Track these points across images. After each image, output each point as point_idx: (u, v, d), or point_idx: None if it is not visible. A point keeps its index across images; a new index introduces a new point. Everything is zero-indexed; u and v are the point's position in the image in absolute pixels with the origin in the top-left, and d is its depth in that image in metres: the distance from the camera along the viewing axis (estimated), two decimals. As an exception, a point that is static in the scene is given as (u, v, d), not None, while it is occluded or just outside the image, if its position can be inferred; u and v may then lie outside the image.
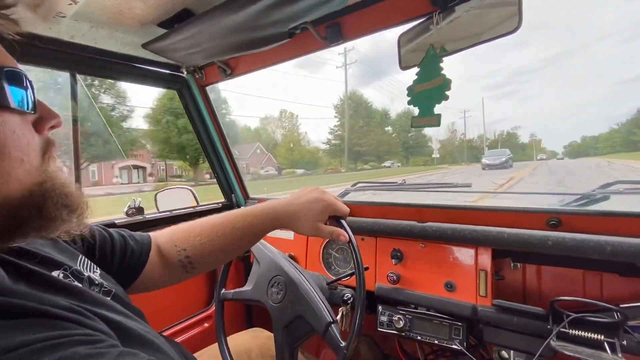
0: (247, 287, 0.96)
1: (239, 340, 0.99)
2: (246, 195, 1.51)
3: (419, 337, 0.93)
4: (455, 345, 0.87)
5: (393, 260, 1.01)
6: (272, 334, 1.00)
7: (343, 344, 0.71)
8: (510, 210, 0.88)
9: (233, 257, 0.81)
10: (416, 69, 0.77)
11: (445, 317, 0.91)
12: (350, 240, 0.76)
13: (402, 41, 0.78)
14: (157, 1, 0.82)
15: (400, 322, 0.96)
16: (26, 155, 0.36)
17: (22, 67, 0.39)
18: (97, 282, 0.48)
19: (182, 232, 0.73)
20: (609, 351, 0.68)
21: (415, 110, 0.84)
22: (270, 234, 1.36)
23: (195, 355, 0.92)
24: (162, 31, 0.94)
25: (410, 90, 0.81)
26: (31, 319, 0.29)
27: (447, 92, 0.75)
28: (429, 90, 0.78)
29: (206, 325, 1.30)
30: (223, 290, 0.97)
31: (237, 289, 0.96)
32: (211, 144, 1.37)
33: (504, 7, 0.61)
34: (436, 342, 0.90)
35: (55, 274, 0.43)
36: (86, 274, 0.47)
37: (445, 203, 0.98)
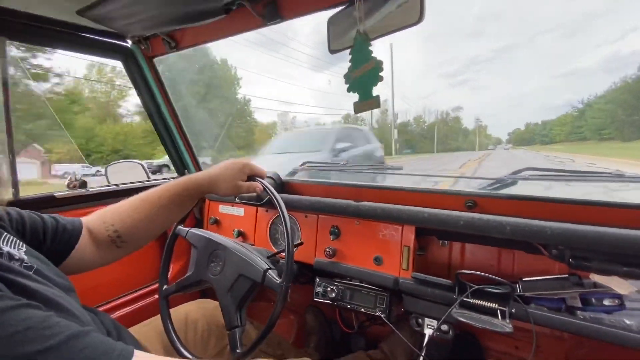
0: (188, 273, 1.00)
1: (185, 310, 1.01)
2: (199, 170, 1.51)
3: (348, 306, 1.01)
4: (378, 312, 0.95)
5: (331, 236, 1.06)
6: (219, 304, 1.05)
7: (279, 280, 0.78)
8: (435, 192, 0.94)
9: (163, 228, 0.85)
10: (348, 57, 0.79)
11: (372, 288, 0.99)
12: (265, 189, 0.87)
13: (330, 25, 0.80)
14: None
15: (333, 292, 1.03)
16: None
17: None
18: (17, 257, 0.49)
19: (110, 210, 0.77)
20: (500, 317, 0.77)
21: (355, 97, 0.87)
22: (221, 210, 1.40)
23: (139, 325, 0.96)
24: (97, -2, 0.90)
25: (348, 77, 0.84)
26: None
27: (380, 74, 0.78)
28: (365, 75, 0.81)
29: (155, 297, 1.34)
30: (165, 287, 0.98)
31: (179, 280, 0.99)
32: (160, 118, 1.35)
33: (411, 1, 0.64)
34: (362, 310, 0.98)
35: None
36: (5, 250, 0.48)
37: (381, 184, 1.04)
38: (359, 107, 0.83)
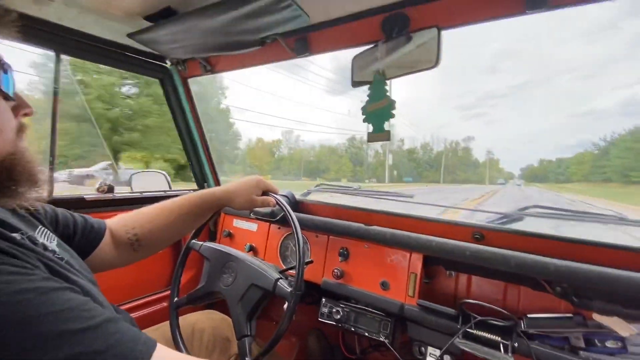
0: (200, 285, 1.03)
1: (193, 320, 1.03)
2: (218, 184, 1.58)
3: (352, 329, 1.03)
4: (382, 337, 0.97)
5: (340, 257, 1.10)
6: (226, 316, 1.08)
7: (290, 288, 0.82)
8: (443, 222, 0.98)
9: (179, 236, 0.91)
10: (367, 91, 0.87)
11: (377, 313, 1.01)
12: (277, 203, 0.93)
13: (354, 62, 0.88)
14: (143, -4, 0.90)
15: (338, 314, 1.05)
16: (4, 128, 0.44)
17: (6, 43, 0.48)
18: (50, 249, 0.54)
19: (131, 214, 0.84)
20: (502, 350, 0.78)
21: (370, 127, 0.94)
22: (235, 224, 1.46)
23: (148, 329, 0.99)
24: (148, 24, 1.01)
25: (364, 109, 0.92)
26: None
27: (392, 112, 0.85)
28: (380, 110, 0.88)
29: (164, 304, 1.37)
30: (176, 298, 1.01)
31: (190, 292, 1.02)
32: (189, 134, 1.44)
33: (428, 47, 0.72)
34: (366, 334, 1.00)
35: (14, 235, 0.50)
36: (40, 241, 0.53)
37: (391, 210, 1.08)
38: (372, 138, 0.90)
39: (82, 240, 0.71)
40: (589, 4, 0.70)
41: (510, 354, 0.77)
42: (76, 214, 0.73)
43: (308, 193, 1.34)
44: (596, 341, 0.78)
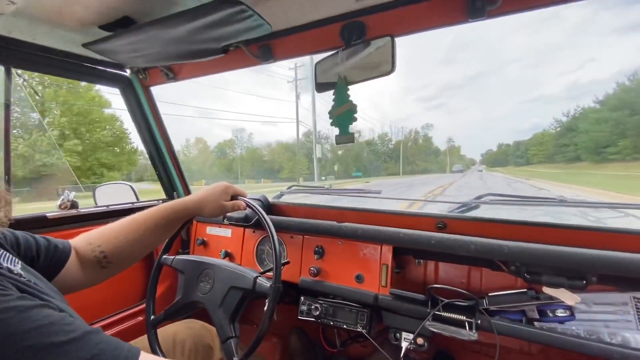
0: (176, 299, 1.02)
1: (172, 331, 1.02)
2: (188, 193, 1.56)
3: (331, 323, 1.07)
4: (359, 328, 1.01)
5: (315, 255, 1.13)
6: (205, 324, 1.08)
7: (270, 283, 0.84)
8: (410, 214, 1.05)
9: (149, 249, 0.89)
10: (332, 96, 0.92)
11: (354, 305, 1.06)
12: (248, 205, 0.95)
13: (317, 67, 0.92)
14: (98, 6, 0.87)
15: (317, 310, 1.09)
16: None
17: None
18: (15, 272, 0.52)
19: (96, 232, 0.80)
20: (467, 328, 0.86)
21: (336, 130, 0.99)
22: (208, 231, 1.45)
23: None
24: (104, 33, 0.98)
25: (331, 114, 0.96)
26: None
27: (355, 115, 0.90)
28: (343, 114, 0.93)
29: (140, 318, 1.34)
30: (152, 317, 0.99)
31: (166, 308, 1.01)
32: (154, 143, 1.41)
33: (384, 54, 0.78)
34: (344, 326, 1.04)
35: None
36: (5, 265, 0.51)
37: (361, 206, 1.13)
38: (339, 140, 0.95)
39: (46, 262, 0.68)
40: (523, 11, 0.78)
41: (474, 331, 0.85)
42: (37, 236, 0.70)
43: (281, 195, 1.36)
44: (548, 312, 0.87)
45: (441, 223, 0.99)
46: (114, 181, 1.49)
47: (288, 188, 1.37)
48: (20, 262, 0.58)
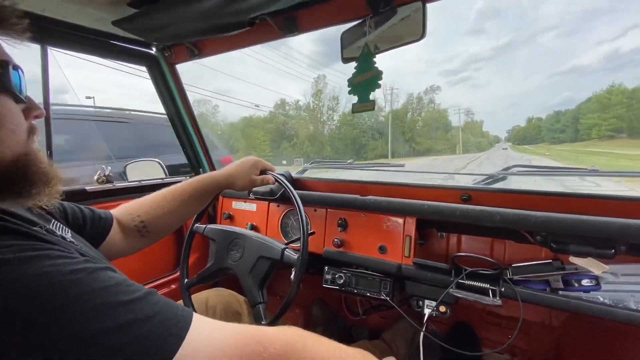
0: (208, 264, 1.09)
1: (204, 297, 1.09)
2: (213, 169, 1.61)
3: (355, 291, 1.11)
4: (382, 295, 1.05)
5: (339, 228, 1.16)
6: (233, 292, 1.14)
7: (297, 254, 0.89)
8: (434, 187, 1.05)
9: (183, 220, 0.95)
10: (354, 63, 0.91)
11: (377, 275, 1.09)
12: (277, 180, 0.99)
13: (344, 38, 0.92)
14: (127, -18, 0.89)
15: (341, 279, 1.13)
16: (17, 129, 0.46)
17: None
18: (68, 240, 0.56)
19: (136, 202, 0.87)
20: (490, 295, 0.87)
21: (355, 99, 0.98)
22: (234, 206, 1.50)
23: None
24: (132, 10, 1.00)
25: (350, 81, 0.96)
26: (20, 237, 0.38)
27: (379, 82, 0.90)
28: (367, 80, 0.92)
29: (173, 286, 1.43)
30: (186, 280, 1.07)
31: (199, 272, 1.09)
32: (180, 121, 1.45)
33: (413, 21, 0.76)
34: (368, 294, 1.08)
35: (35, 228, 0.53)
36: (59, 233, 0.56)
37: (384, 180, 1.14)
38: (357, 108, 0.95)
39: (92, 231, 0.74)
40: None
41: (498, 298, 0.86)
42: (82, 206, 0.75)
43: (304, 171, 1.39)
44: (573, 281, 0.88)
45: (466, 195, 0.99)
46: (143, 158, 1.56)
47: (310, 163, 1.40)
48: (70, 231, 0.63)
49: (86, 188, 1.17)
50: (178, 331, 0.38)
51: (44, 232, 0.48)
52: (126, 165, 1.54)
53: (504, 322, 1.36)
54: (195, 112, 1.46)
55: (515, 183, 1.02)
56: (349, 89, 0.94)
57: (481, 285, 0.89)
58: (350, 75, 0.93)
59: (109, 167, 1.22)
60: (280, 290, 1.73)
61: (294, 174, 1.36)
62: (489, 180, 1.03)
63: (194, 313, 0.43)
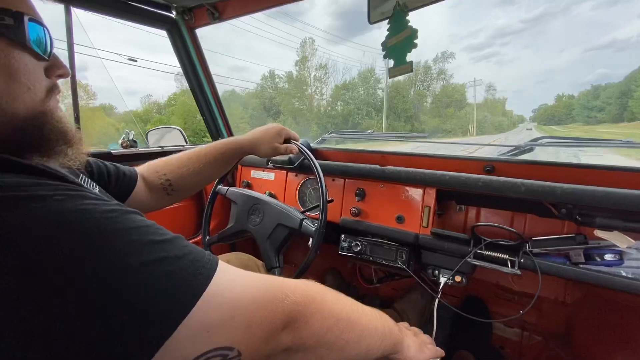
0: (229, 225, 1.13)
1: (224, 260, 1.15)
2: (232, 135, 1.62)
3: (371, 259, 1.13)
4: (398, 264, 1.07)
5: (357, 197, 1.17)
6: (252, 257, 1.19)
7: (315, 226, 0.91)
8: (456, 157, 1.03)
9: (207, 182, 0.98)
10: (386, 26, 0.87)
11: (394, 244, 1.10)
12: (300, 150, 0.99)
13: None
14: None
15: (358, 247, 1.15)
16: (33, 85, 0.45)
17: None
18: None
19: (162, 161, 0.90)
20: (509, 266, 0.87)
21: (391, 63, 0.95)
22: (252, 175, 1.52)
23: None
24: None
25: (384, 45, 0.93)
26: (56, 179, 0.39)
27: (415, 41, 0.87)
28: (401, 42, 0.89)
29: (194, 249, 1.48)
30: (207, 237, 1.11)
31: (220, 231, 1.12)
32: (199, 87, 1.45)
33: None
34: (384, 262, 1.10)
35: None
36: (88, 187, 0.59)
37: (404, 150, 1.13)
38: (393, 72, 0.92)
39: (118, 187, 0.76)
40: None
41: (517, 268, 0.86)
42: (107, 163, 0.78)
43: (322, 141, 1.38)
44: (595, 256, 0.87)
45: (489, 166, 0.97)
46: (164, 125, 1.57)
47: (329, 133, 1.38)
48: (97, 186, 0.65)
49: (112, 151, 1.21)
50: (206, 272, 0.39)
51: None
52: (148, 132, 1.56)
53: (516, 298, 1.37)
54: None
55: (543, 156, 0.99)
56: (384, 53, 0.91)
57: (500, 255, 0.89)
58: (384, 39, 0.89)
59: (133, 132, 1.25)
60: (295, 259, 1.78)
61: (313, 144, 1.36)
62: (515, 152, 1.01)
63: (220, 260, 0.44)
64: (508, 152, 1.02)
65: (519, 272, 0.85)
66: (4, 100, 0.41)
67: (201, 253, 0.42)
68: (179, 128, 1.57)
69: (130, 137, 1.25)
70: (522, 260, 0.87)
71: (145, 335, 0.33)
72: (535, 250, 0.91)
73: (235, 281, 0.42)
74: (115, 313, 0.31)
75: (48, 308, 0.29)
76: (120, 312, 0.32)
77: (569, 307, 1.24)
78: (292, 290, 0.45)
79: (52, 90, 0.49)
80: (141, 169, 0.86)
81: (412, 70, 0.88)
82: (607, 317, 1.10)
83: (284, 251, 1.02)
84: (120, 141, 1.25)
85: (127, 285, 0.33)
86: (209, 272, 0.39)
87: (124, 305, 0.32)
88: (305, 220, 0.96)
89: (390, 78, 0.94)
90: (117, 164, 0.80)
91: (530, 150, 0.99)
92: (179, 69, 1.44)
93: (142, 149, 1.30)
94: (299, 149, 1.01)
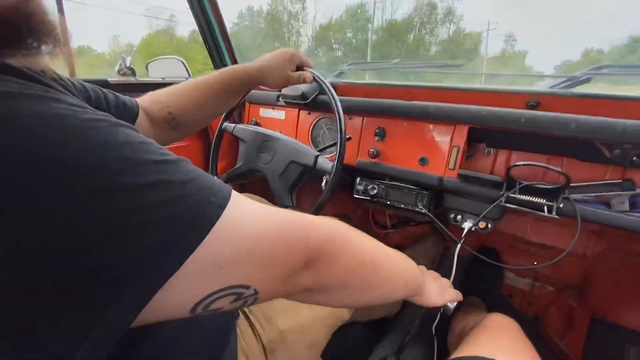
0: (237, 165, 1.05)
1: None
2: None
3: (388, 202, 1.06)
4: (418, 207, 1.00)
5: (376, 137, 1.07)
6: (262, 198, 1.13)
7: (332, 163, 0.84)
8: (494, 91, 0.90)
9: (215, 114, 0.88)
10: None
11: (413, 188, 1.03)
12: (315, 78, 0.88)
13: None
14: None
15: (374, 190, 1.07)
16: None
17: None
18: None
19: (163, 91, 0.79)
20: (546, 211, 0.79)
21: None
22: (262, 113, 1.41)
23: None
24: None
25: None
26: (27, 78, 0.32)
27: None
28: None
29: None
30: (216, 177, 1.04)
31: (229, 170, 1.04)
32: (203, 13, 1.28)
33: None
34: (402, 206, 1.03)
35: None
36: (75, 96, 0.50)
37: (433, 84, 1.00)
38: None
39: (117, 117, 0.68)
40: None
41: (554, 214, 0.78)
42: (105, 90, 0.68)
43: (340, 73, 1.24)
44: (642, 204, 0.78)
45: (534, 101, 0.85)
46: (166, 56, 1.44)
47: (348, 65, 1.24)
48: None
49: (108, 80, 1.10)
50: (217, 201, 0.31)
51: None
52: (149, 63, 1.43)
53: (532, 250, 1.32)
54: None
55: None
56: None
57: (536, 200, 0.81)
58: None
59: (129, 57, 1.12)
60: (306, 205, 1.74)
61: (328, 78, 1.23)
62: (568, 84, 0.87)
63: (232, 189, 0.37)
64: (559, 84, 0.89)
65: (556, 217, 0.77)
66: None
67: (211, 179, 0.34)
68: (181, 59, 1.43)
69: (128, 64, 1.13)
70: (561, 206, 0.79)
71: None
72: (574, 196, 0.82)
73: (252, 213, 0.35)
74: (104, 251, 0.24)
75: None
76: (110, 251, 0.25)
77: (589, 260, 1.20)
78: (315, 227, 0.39)
79: None
80: (142, 100, 0.76)
81: None
82: (627, 271, 1.06)
83: (297, 190, 0.95)
84: (116, 68, 1.13)
85: (116, 213, 0.25)
86: (221, 201, 0.32)
87: (114, 243, 0.25)
88: (319, 156, 0.88)
89: None
90: (117, 94, 0.70)
91: (587, 81, 0.85)
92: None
93: (141, 79, 1.19)
94: (313, 77, 0.89)
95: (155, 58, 1.44)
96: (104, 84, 1.10)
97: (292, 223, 0.38)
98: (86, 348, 0.25)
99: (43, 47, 0.40)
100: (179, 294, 0.29)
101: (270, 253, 0.34)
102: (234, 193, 0.35)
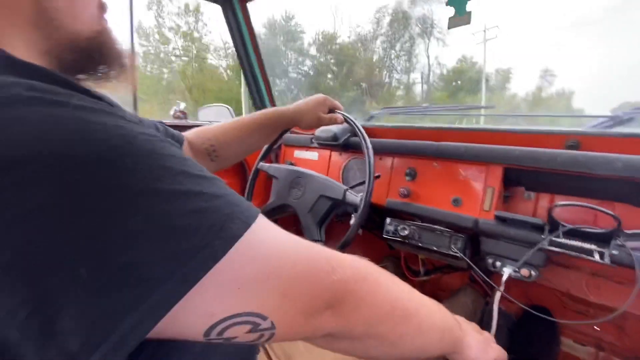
0: (270, 200, 1.10)
1: None
2: (274, 106, 1.63)
3: (420, 245, 1.02)
4: (452, 251, 0.94)
5: (407, 177, 1.06)
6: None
7: (360, 195, 0.86)
8: (529, 132, 0.88)
9: (251, 150, 0.99)
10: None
11: (447, 230, 0.98)
12: (346, 120, 0.95)
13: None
14: None
15: (405, 230, 1.04)
16: (90, 4, 0.43)
17: None
18: None
19: (206, 128, 0.92)
20: (597, 257, 0.71)
21: (451, 11, 0.82)
22: (296, 155, 1.48)
23: None
24: None
25: None
26: (80, 91, 0.34)
27: None
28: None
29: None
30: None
31: (261, 207, 1.10)
32: (247, 59, 1.45)
33: None
34: (435, 248, 0.98)
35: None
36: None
37: (464, 126, 1.00)
38: (453, 22, 0.84)
39: None
40: None
41: (607, 260, 0.70)
42: (156, 121, 0.78)
43: (371, 117, 1.29)
44: None
45: (573, 141, 0.81)
46: (215, 104, 1.61)
47: (381, 109, 1.29)
48: None
49: (163, 121, 1.24)
50: (245, 218, 0.32)
51: None
52: (199, 109, 1.61)
53: (591, 312, 1.16)
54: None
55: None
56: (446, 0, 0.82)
57: (584, 245, 0.73)
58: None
59: (183, 104, 1.27)
60: (334, 241, 1.71)
61: (360, 122, 1.28)
62: (610, 124, 0.83)
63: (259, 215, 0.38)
64: (600, 124, 0.85)
65: (609, 262, 0.69)
66: (66, 21, 0.39)
67: (241, 198, 0.36)
68: (228, 106, 1.59)
69: (181, 108, 1.28)
70: (614, 252, 0.70)
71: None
72: (631, 243, 0.73)
73: (276, 238, 0.35)
74: (135, 248, 0.26)
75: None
76: (141, 249, 0.27)
77: None
78: (341, 264, 0.37)
79: (103, 7, 0.47)
80: (188, 133, 0.88)
81: (469, 22, 0.80)
82: None
83: (326, 225, 0.96)
84: (171, 112, 1.29)
85: (151, 214, 0.27)
86: (248, 219, 0.33)
87: (145, 241, 0.27)
88: (348, 191, 0.90)
89: (448, 29, 0.84)
90: (166, 126, 0.81)
91: (630, 120, 0.80)
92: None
93: (191, 121, 1.33)
94: (344, 118, 0.96)
95: (206, 105, 1.62)
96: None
97: (317, 254, 0.37)
98: (102, 351, 0.25)
99: (112, 73, 0.48)
100: (196, 311, 0.29)
101: (291, 281, 0.33)
102: (261, 216, 0.36)
